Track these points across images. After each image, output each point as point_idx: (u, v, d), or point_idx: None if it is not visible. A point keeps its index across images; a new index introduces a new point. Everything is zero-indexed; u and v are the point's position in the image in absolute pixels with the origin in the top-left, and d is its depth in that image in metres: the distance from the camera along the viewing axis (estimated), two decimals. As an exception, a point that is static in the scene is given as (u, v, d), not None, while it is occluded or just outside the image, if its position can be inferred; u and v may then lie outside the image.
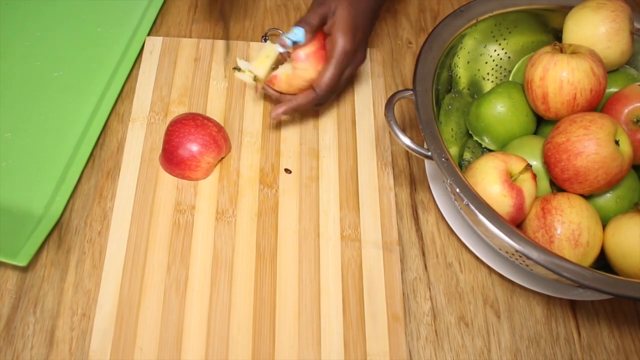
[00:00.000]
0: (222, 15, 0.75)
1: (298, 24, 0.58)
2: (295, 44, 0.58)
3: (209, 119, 0.61)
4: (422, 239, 0.62)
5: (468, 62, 0.65)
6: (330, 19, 0.58)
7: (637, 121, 0.56)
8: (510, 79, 0.67)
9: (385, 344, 0.54)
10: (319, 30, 0.59)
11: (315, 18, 0.58)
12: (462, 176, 0.51)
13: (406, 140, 0.53)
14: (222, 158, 0.62)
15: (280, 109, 0.60)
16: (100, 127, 0.63)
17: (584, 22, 0.59)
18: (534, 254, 0.47)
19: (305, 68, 0.59)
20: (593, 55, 0.56)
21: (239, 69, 0.61)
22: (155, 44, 0.69)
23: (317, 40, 0.59)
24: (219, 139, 0.60)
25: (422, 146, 0.53)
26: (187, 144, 0.59)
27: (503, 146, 0.62)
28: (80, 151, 0.61)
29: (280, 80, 0.60)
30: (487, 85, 0.67)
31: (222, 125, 0.64)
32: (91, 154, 0.62)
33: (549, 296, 0.59)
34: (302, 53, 0.58)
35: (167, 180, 0.60)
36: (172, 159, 0.59)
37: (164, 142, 0.60)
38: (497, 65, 0.67)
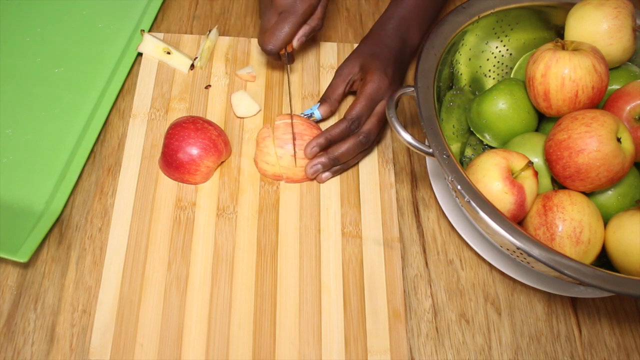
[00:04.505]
0: (223, 12, 0.75)
1: (320, 102, 0.63)
2: (311, 116, 0.63)
3: (209, 123, 0.60)
4: (423, 235, 0.62)
5: (469, 59, 0.65)
6: (356, 75, 0.63)
7: (639, 118, 0.56)
8: (511, 75, 0.67)
9: (386, 341, 0.54)
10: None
11: (341, 91, 0.63)
12: (463, 173, 0.51)
13: (407, 137, 0.52)
14: (222, 162, 0.62)
15: (314, 145, 0.59)
16: (101, 123, 0.63)
17: (586, 18, 0.58)
18: (535, 251, 0.47)
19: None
20: (595, 52, 0.56)
21: (168, 52, 0.65)
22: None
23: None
24: (219, 142, 0.59)
25: (423, 143, 0.53)
26: (187, 147, 0.58)
27: (504, 143, 0.62)
28: (81, 147, 0.61)
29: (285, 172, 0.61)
30: (489, 82, 0.67)
31: (223, 122, 0.64)
32: (92, 150, 0.62)
33: (549, 293, 0.59)
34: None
35: (168, 177, 0.60)
36: (171, 162, 0.59)
37: (163, 145, 0.60)
38: (498, 62, 0.67)
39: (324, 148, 0.60)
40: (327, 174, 0.61)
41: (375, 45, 0.64)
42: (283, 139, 0.60)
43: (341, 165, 0.61)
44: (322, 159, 0.60)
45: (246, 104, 0.64)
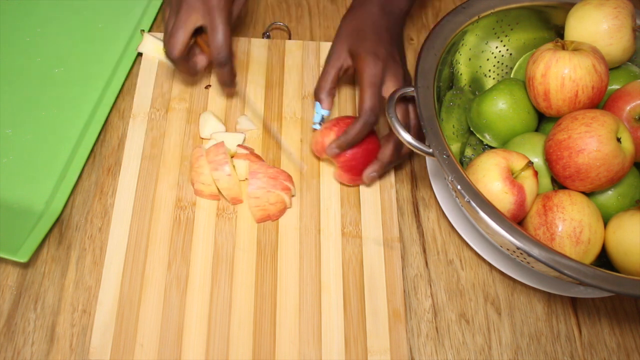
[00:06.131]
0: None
1: (316, 99, 0.60)
2: (323, 119, 0.60)
3: None
4: (423, 235, 0.62)
5: (469, 59, 0.65)
6: (346, 61, 0.60)
7: (639, 118, 0.56)
8: (511, 75, 0.67)
9: (386, 341, 0.54)
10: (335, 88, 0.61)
11: (331, 80, 0.60)
12: (463, 173, 0.51)
13: (407, 137, 0.52)
14: None
15: (334, 147, 0.57)
16: (101, 123, 0.63)
17: (586, 18, 0.59)
18: (535, 251, 0.47)
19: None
20: (595, 52, 0.56)
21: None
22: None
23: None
24: None
25: (423, 143, 0.53)
26: None
27: (504, 143, 0.62)
28: (81, 147, 0.61)
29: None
30: (489, 82, 0.67)
31: (223, 121, 0.64)
32: (92, 150, 0.62)
33: (549, 293, 0.59)
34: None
35: (168, 177, 0.60)
36: None
37: None
38: (498, 62, 0.67)
39: (344, 149, 0.58)
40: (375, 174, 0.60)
41: (358, 20, 0.60)
42: (217, 161, 0.58)
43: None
44: (375, 167, 0.59)
45: (212, 125, 0.63)
